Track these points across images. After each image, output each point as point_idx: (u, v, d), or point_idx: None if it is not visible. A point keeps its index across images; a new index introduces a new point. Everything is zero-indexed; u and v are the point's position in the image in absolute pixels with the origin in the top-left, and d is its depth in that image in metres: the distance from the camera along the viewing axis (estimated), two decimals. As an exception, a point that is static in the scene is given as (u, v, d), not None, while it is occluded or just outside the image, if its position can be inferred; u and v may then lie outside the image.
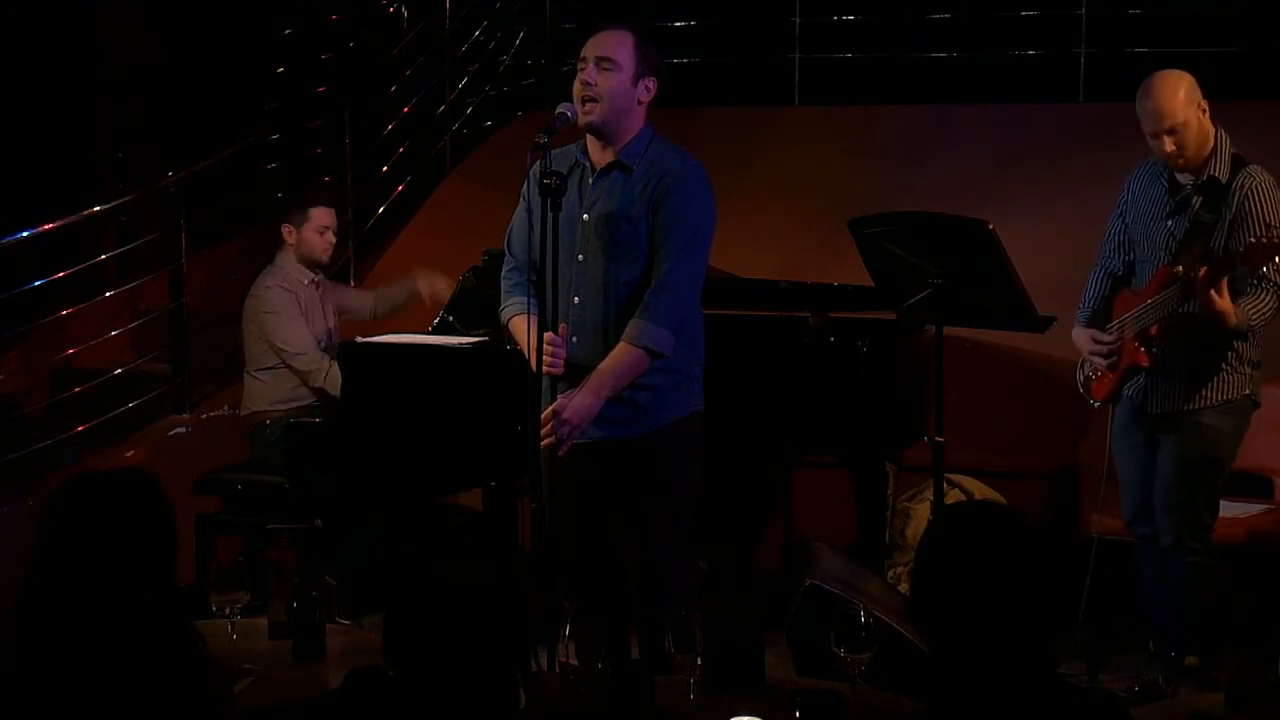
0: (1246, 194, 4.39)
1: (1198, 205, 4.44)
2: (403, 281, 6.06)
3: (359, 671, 2.50)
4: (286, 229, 5.74)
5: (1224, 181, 4.41)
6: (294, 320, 5.64)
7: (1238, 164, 4.45)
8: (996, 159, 6.77)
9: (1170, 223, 4.52)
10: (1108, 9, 7.21)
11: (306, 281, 5.76)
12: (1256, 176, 4.43)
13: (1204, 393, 4.49)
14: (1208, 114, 4.43)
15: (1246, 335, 4.43)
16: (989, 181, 6.55)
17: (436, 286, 5.93)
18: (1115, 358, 4.59)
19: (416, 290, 6.00)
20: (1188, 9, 7.05)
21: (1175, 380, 4.52)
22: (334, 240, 5.82)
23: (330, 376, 5.53)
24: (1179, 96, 4.38)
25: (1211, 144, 4.44)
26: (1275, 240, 4.19)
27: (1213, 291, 4.29)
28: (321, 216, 5.74)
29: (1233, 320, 4.32)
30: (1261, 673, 2.99)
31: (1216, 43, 6.93)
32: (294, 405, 5.59)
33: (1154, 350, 4.49)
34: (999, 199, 6.20)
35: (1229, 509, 4.89)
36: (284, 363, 5.61)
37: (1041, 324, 4.66)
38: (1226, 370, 4.48)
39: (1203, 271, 4.29)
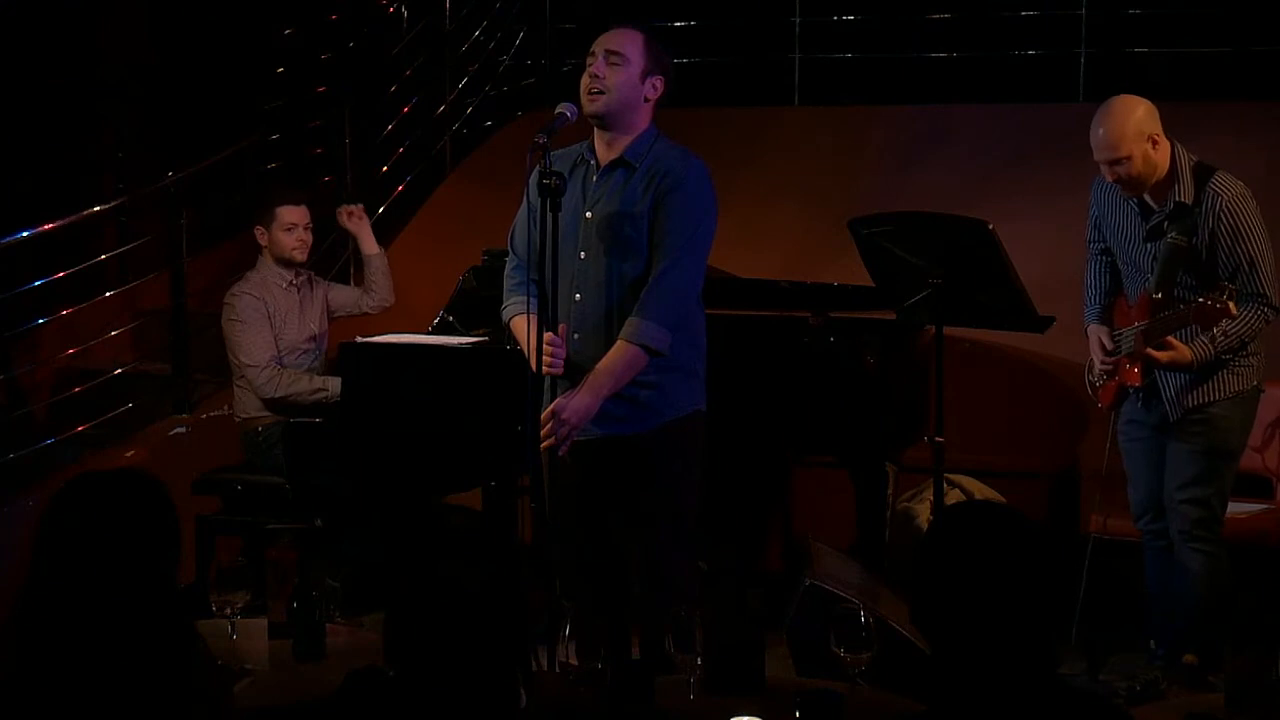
0: (1220, 211, 4.41)
1: (1171, 233, 4.46)
2: (367, 259, 5.93)
3: (359, 671, 2.51)
4: (259, 231, 5.68)
5: (1190, 204, 4.43)
6: (255, 329, 5.54)
7: (1202, 178, 4.45)
8: (996, 159, 6.77)
9: (1150, 246, 4.57)
10: (1108, 9, 7.21)
11: (284, 285, 5.67)
12: (1224, 191, 4.42)
13: (1211, 391, 4.54)
14: (1159, 145, 4.44)
15: (1234, 347, 4.47)
16: (989, 181, 6.55)
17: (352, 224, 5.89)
18: (1116, 369, 4.65)
19: (374, 252, 5.90)
20: (1188, 9, 7.05)
21: (1180, 384, 4.55)
22: (306, 236, 5.69)
23: (282, 385, 5.46)
24: (1127, 129, 4.40)
25: (1166, 170, 4.45)
26: (1224, 304, 4.24)
27: (1152, 351, 4.42)
28: (287, 214, 5.65)
29: (1188, 358, 4.41)
30: (1261, 673, 2.99)
31: (1216, 43, 6.93)
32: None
33: (1147, 372, 4.55)
34: (999, 199, 6.20)
35: (1228, 509, 4.88)
36: (239, 373, 5.57)
37: (1041, 324, 4.66)
38: (1231, 367, 4.52)
39: (1139, 341, 4.45)
